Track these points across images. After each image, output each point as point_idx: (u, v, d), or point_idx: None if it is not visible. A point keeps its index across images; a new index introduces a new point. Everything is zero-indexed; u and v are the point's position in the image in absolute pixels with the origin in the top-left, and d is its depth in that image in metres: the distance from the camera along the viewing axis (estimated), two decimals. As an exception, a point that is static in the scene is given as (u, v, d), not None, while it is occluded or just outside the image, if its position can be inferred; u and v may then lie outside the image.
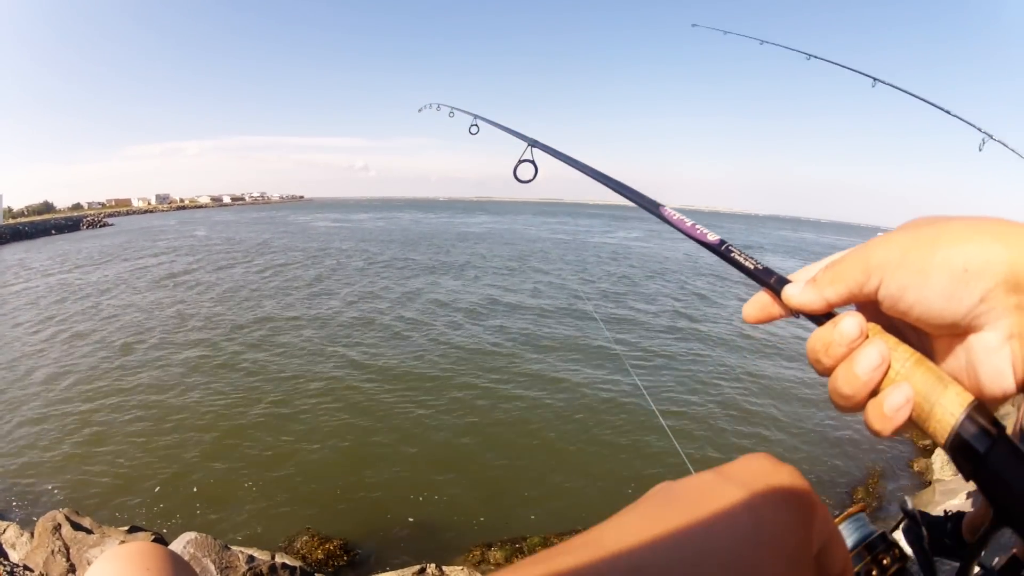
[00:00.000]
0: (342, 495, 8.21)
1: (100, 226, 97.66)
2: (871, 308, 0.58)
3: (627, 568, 0.40)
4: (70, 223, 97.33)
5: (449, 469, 8.91)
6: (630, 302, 22.12)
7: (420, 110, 3.65)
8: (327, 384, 12.80)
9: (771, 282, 0.65)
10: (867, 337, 0.56)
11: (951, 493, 6.56)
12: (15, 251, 52.90)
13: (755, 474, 0.48)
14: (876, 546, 0.79)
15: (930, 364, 0.54)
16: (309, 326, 18.22)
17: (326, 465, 9.09)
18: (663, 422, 6.49)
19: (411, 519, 7.68)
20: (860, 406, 0.56)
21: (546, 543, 6.96)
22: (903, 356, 0.54)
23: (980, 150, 5.18)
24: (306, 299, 22.57)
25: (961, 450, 0.50)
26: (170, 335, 17.44)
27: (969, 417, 0.49)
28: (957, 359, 0.54)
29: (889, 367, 0.54)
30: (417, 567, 6.06)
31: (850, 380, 0.55)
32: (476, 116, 2.28)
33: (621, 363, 13.38)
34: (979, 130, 5.17)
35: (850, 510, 0.83)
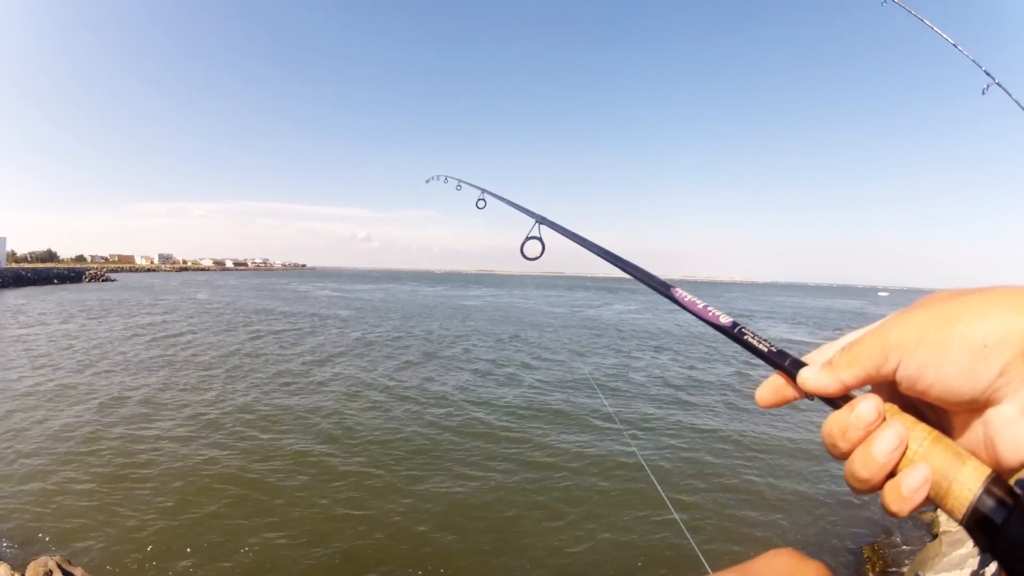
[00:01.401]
0: (338, 558, 8.10)
1: (102, 280, 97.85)
2: (887, 387, 0.58)
3: None
4: (73, 274, 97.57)
5: (445, 544, 8.81)
6: (628, 374, 21.96)
7: (427, 181, 3.64)
8: (320, 452, 12.67)
9: (786, 365, 0.65)
10: (884, 419, 0.56)
11: (957, 544, 6.46)
12: (18, 296, 52.87)
13: (780, 564, 0.48)
14: None
15: (948, 441, 0.54)
16: (303, 392, 18.10)
17: (322, 529, 9.00)
18: (663, 493, 6.48)
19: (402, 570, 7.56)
20: (877, 488, 0.55)
21: None
22: (920, 436, 0.54)
23: (983, 94, 5.18)
24: (300, 368, 22.41)
25: (978, 524, 0.50)
26: (173, 391, 17.41)
27: (987, 491, 0.49)
28: (975, 433, 0.53)
29: (907, 448, 0.54)
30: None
31: (867, 463, 0.54)
32: (483, 190, 2.26)
33: (621, 435, 13.32)
34: (985, 72, 5.16)
35: None
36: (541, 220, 1.46)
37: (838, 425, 0.56)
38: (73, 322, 34.44)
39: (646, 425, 15.14)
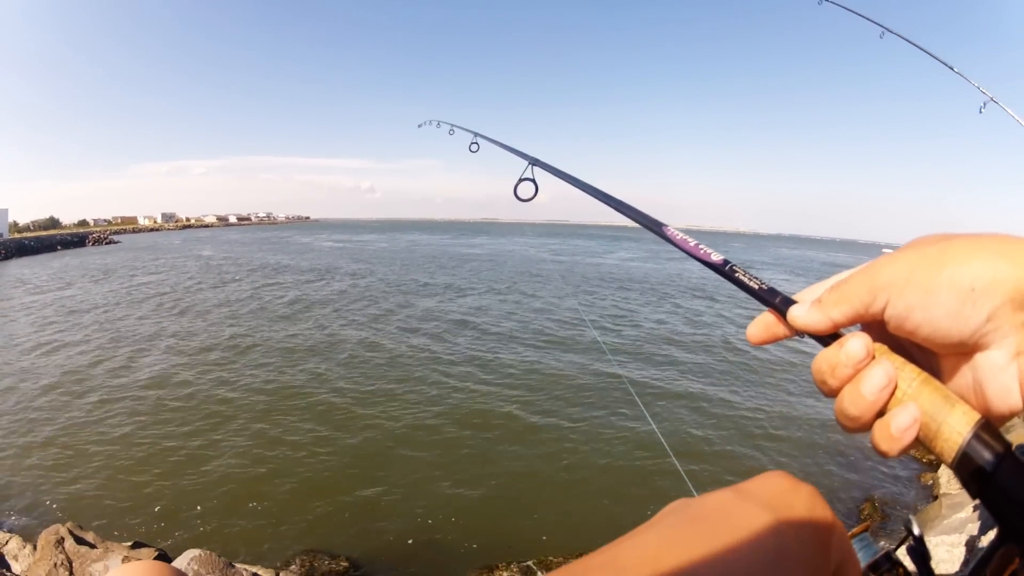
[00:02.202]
0: (347, 514, 8.15)
1: (106, 243, 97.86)
2: (877, 328, 0.58)
3: None
4: (76, 239, 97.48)
5: (454, 491, 8.86)
6: (627, 324, 22.01)
7: (420, 126, 3.66)
8: (329, 405, 12.81)
9: (776, 302, 0.65)
10: (873, 358, 0.55)
11: (958, 507, 6.51)
12: (21, 265, 53.01)
13: (775, 494, 0.48)
14: (880, 566, 0.77)
15: (937, 384, 0.54)
16: (314, 347, 18.26)
17: (331, 484, 9.03)
18: (663, 440, 6.44)
19: (417, 540, 7.62)
20: (866, 427, 0.55)
21: (547, 566, 6.92)
22: (910, 376, 0.54)
23: (980, 112, 5.23)
24: (312, 319, 22.71)
25: (968, 469, 0.50)
26: (176, 352, 17.52)
27: (976, 436, 0.50)
28: (964, 378, 0.53)
29: (896, 387, 0.54)
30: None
31: (856, 401, 0.54)
32: (476, 134, 2.28)
33: (622, 385, 13.35)
34: (982, 91, 5.20)
35: (855, 530, 0.81)
36: (534, 162, 1.46)
37: (827, 362, 0.57)
38: (74, 287, 34.50)
39: (652, 381, 15.18)
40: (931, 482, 8.56)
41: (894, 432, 0.52)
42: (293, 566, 6.90)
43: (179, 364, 16.14)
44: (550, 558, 7.08)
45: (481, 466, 9.66)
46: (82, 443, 10.78)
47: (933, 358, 0.56)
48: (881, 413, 0.54)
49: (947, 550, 4.86)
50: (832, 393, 0.57)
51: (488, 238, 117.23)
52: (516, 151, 1.62)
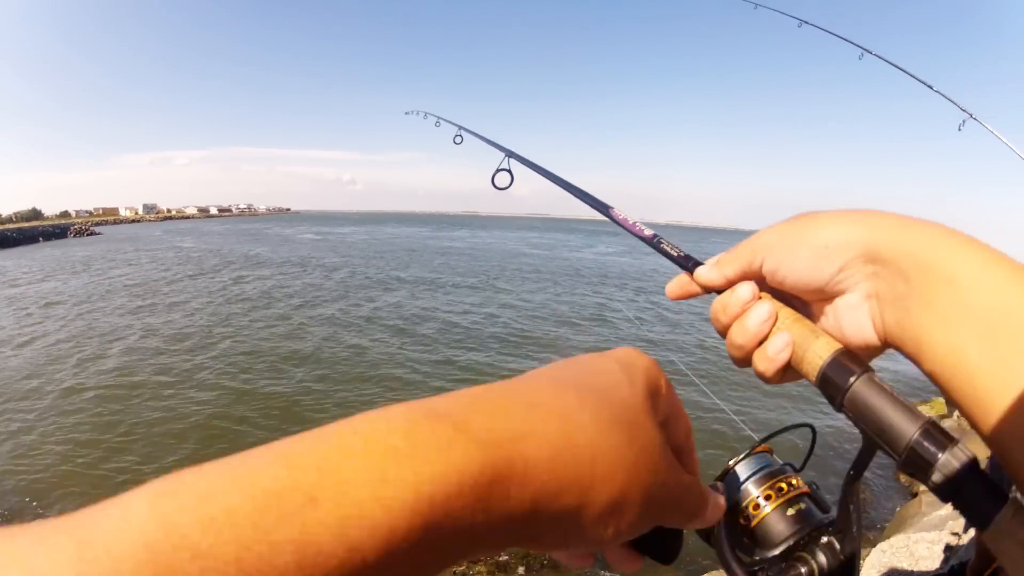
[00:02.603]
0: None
1: (87, 234, 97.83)
2: (761, 283, 0.71)
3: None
4: (57, 231, 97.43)
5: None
6: (599, 321, 22.02)
7: (407, 114, 3.62)
8: (293, 400, 12.96)
9: (688, 265, 0.78)
10: (759, 299, 0.69)
11: (937, 504, 6.52)
12: (2, 257, 52.90)
13: (626, 354, 0.56)
14: (778, 475, 0.81)
15: (807, 321, 0.67)
16: (286, 337, 18.41)
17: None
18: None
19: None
20: (750, 355, 0.69)
21: (527, 556, 7.07)
22: (785, 315, 0.68)
23: (960, 130, 5.20)
24: (292, 309, 22.88)
25: (827, 385, 0.62)
26: (150, 343, 17.55)
27: (835, 359, 0.61)
28: (828, 318, 0.67)
29: (775, 322, 0.68)
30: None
31: (743, 332, 0.68)
32: (460, 127, 2.30)
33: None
34: (961, 108, 5.19)
35: (758, 448, 0.86)
36: (510, 154, 1.58)
37: (721, 303, 0.71)
38: (54, 279, 34.38)
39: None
40: (909, 481, 8.52)
41: (770, 354, 0.66)
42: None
43: (152, 354, 16.28)
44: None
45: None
46: (51, 432, 10.90)
47: (806, 306, 0.70)
48: (761, 344, 0.68)
49: (927, 547, 4.88)
50: (723, 330, 0.72)
51: (468, 231, 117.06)
52: (494, 144, 1.72)
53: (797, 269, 0.65)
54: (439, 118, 2.76)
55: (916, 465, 0.54)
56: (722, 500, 0.60)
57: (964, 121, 5.13)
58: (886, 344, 0.62)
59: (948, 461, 0.51)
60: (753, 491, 0.80)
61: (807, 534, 0.74)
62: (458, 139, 2.28)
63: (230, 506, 0.30)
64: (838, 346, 0.62)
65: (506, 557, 7.05)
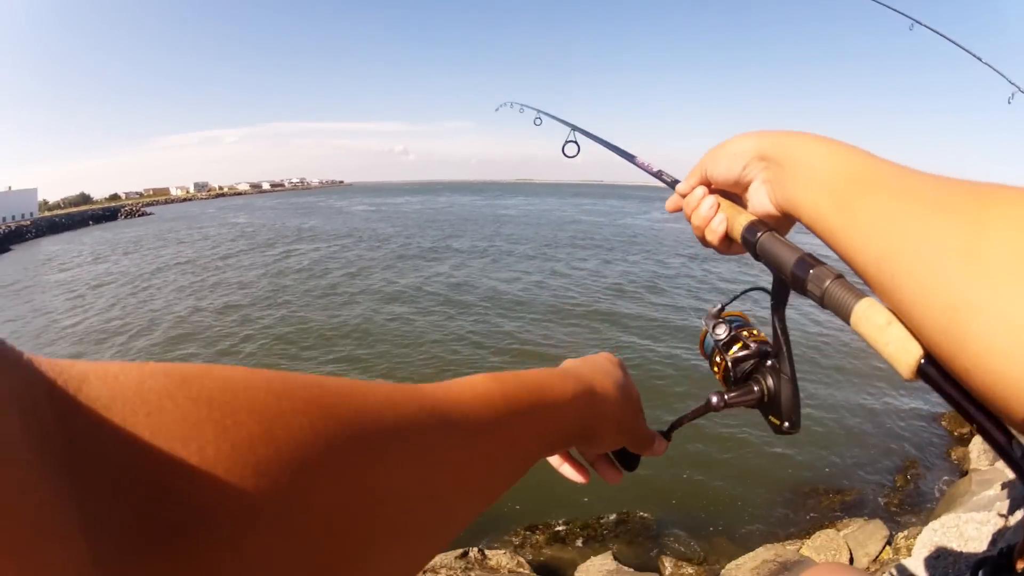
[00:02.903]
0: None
1: (139, 215, 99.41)
2: (712, 189, 0.99)
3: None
4: (108, 213, 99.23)
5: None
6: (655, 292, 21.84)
7: (497, 109, 3.61)
8: (372, 363, 12.96)
9: (674, 186, 1.10)
10: (706, 196, 0.98)
11: (987, 483, 6.39)
12: (52, 242, 53.95)
13: (606, 354, 0.90)
14: (743, 327, 1.03)
15: (738, 207, 0.93)
16: (364, 302, 18.64)
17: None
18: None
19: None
20: (703, 233, 0.98)
21: (587, 528, 6.98)
22: (724, 204, 0.95)
23: (1009, 103, 5.15)
24: (345, 279, 23.06)
25: (745, 243, 0.87)
26: (211, 319, 17.73)
27: (749, 224, 0.86)
28: (749, 203, 0.91)
29: (719, 209, 0.95)
30: (460, 551, 6.02)
31: (698, 216, 0.98)
32: (539, 111, 2.61)
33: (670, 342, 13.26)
34: (1010, 82, 5.16)
35: (730, 312, 1.09)
36: (575, 128, 1.88)
37: (687, 203, 1.01)
38: (105, 261, 35.13)
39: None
40: (961, 457, 8.38)
41: (713, 226, 0.95)
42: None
43: (202, 328, 16.59)
44: (592, 523, 7.06)
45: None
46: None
47: (739, 199, 0.95)
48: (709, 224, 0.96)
49: (976, 527, 4.78)
50: (688, 218, 1.01)
51: (523, 198, 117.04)
52: (564, 121, 2.02)
53: (720, 171, 0.93)
54: (523, 105, 3.08)
55: (798, 282, 0.75)
56: (664, 444, 0.91)
57: (1013, 95, 5.12)
58: (781, 211, 0.83)
59: (817, 275, 0.72)
60: (724, 338, 1.03)
61: (756, 363, 0.97)
62: (538, 121, 2.61)
63: (524, 383, 0.62)
64: (752, 217, 0.88)
65: (563, 528, 7.03)
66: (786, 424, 0.93)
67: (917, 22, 5.31)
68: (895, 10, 5.47)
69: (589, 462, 0.90)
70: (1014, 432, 0.53)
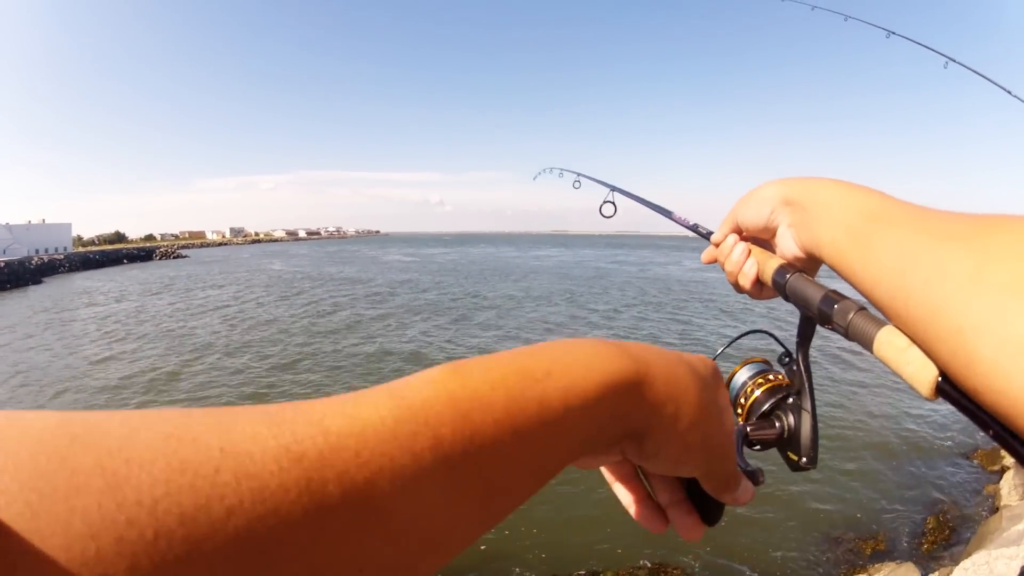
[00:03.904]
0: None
1: (174, 256, 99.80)
2: (743, 236, 1.06)
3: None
4: (143, 253, 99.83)
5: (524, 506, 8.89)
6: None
7: (535, 178, 3.96)
8: None
9: (708, 237, 1.21)
10: (738, 243, 1.05)
11: (1017, 519, 6.41)
12: (85, 278, 54.83)
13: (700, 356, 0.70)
14: (765, 372, 1.04)
15: (768, 252, 1.00)
16: (389, 352, 18.73)
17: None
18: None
19: (482, 554, 7.72)
20: (736, 279, 1.04)
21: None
22: (755, 251, 1.02)
23: None
24: (373, 332, 23.18)
25: (776, 285, 0.93)
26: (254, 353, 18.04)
27: (779, 268, 0.92)
28: (777, 248, 0.97)
29: (749, 255, 1.02)
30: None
31: (731, 263, 1.04)
32: (578, 174, 2.75)
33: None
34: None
35: (753, 359, 1.10)
36: (613, 188, 2.04)
37: (721, 251, 1.08)
38: (139, 299, 35.93)
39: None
40: (993, 493, 8.36)
41: (745, 270, 1.01)
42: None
43: (230, 373, 16.80)
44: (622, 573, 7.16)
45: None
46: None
47: (768, 245, 1.01)
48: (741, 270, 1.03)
49: (1005, 563, 4.85)
50: (723, 267, 1.08)
51: (558, 249, 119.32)
52: (602, 182, 2.18)
53: (750, 217, 0.99)
54: (563, 170, 3.27)
55: (824, 316, 0.80)
56: (753, 489, 0.72)
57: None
58: (807, 252, 0.89)
59: (841, 309, 0.77)
60: (748, 383, 1.03)
61: (777, 400, 0.98)
62: (577, 184, 2.77)
63: (503, 375, 0.46)
64: (782, 260, 0.94)
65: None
66: (804, 460, 0.94)
67: (951, 60, 5.55)
68: (932, 49, 5.67)
69: (663, 505, 0.70)
70: None
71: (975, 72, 5.60)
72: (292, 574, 0.32)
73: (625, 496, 0.70)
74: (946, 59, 5.58)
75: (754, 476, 0.81)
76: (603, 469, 0.68)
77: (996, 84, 5.60)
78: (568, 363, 0.50)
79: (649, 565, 7.19)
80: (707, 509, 0.70)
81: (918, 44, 5.78)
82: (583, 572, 7.25)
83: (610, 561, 7.39)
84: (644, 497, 0.69)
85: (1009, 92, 5.47)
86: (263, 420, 0.35)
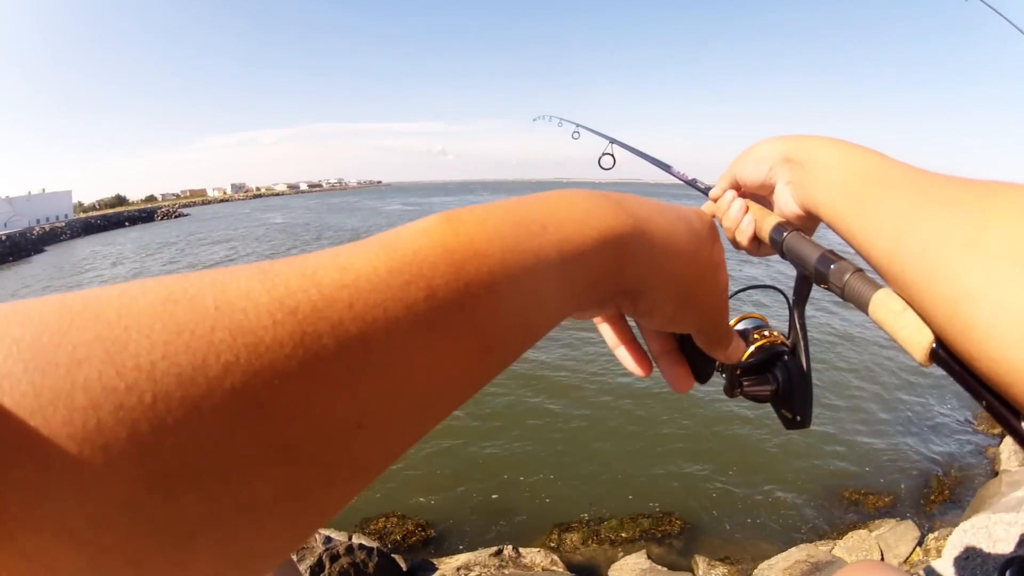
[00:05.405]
0: (420, 475, 8.30)
1: (175, 216, 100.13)
2: (741, 192, 1.08)
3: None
4: (144, 214, 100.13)
5: (526, 452, 9.00)
6: None
7: (534, 120, 3.90)
8: None
9: (707, 192, 1.20)
10: (735, 199, 1.06)
11: (1016, 484, 6.42)
12: (88, 243, 54.89)
13: (696, 208, 0.75)
14: (761, 328, 1.05)
15: (766, 209, 1.01)
16: None
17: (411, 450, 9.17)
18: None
19: (488, 500, 7.78)
20: (732, 234, 1.04)
21: (621, 526, 7.07)
22: (753, 207, 1.03)
23: None
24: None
25: (774, 243, 0.93)
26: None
27: (776, 225, 0.92)
28: (775, 205, 0.99)
29: (747, 211, 1.03)
30: (494, 548, 6.16)
31: (728, 219, 1.05)
32: (577, 124, 2.75)
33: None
34: None
35: (751, 314, 1.11)
36: (612, 140, 2.06)
37: (719, 207, 1.09)
38: (139, 261, 36.35)
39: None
40: (994, 456, 8.39)
41: (743, 227, 1.02)
42: (366, 528, 7.12)
43: None
44: (627, 522, 7.16)
45: (554, 430, 9.68)
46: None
47: (766, 201, 1.03)
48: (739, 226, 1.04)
49: (1004, 528, 4.82)
50: (720, 222, 1.07)
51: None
52: (602, 134, 2.16)
53: (748, 174, 1.01)
54: (561, 119, 3.30)
55: (820, 276, 0.80)
56: (743, 345, 0.74)
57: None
58: (805, 211, 0.91)
59: (838, 269, 0.77)
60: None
61: (771, 356, 0.99)
62: (576, 135, 2.77)
63: (498, 226, 0.44)
64: (779, 218, 0.95)
65: (597, 526, 7.03)
66: (798, 418, 0.97)
67: None
68: None
69: (653, 355, 0.72)
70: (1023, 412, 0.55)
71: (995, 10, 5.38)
72: (291, 429, 0.31)
73: (611, 338, 0.72)
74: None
75: (746, 335, 0.99)
76: None
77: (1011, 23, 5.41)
78: (564, 216, 0.49)
79: (649, 515, 7.26)
80: (699, 365, 0.73)
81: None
82: (585, 516, 7.32)
83: (613, 510, 7.46)
84: (631, 339, 0.71)
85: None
86: (257, 276, 0.34)
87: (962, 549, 4.70)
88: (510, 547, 6.23)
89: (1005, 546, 4.59)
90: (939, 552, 5.35)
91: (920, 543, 6.02)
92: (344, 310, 0.34)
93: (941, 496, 7.66)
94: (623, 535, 6.97)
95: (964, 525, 5.13)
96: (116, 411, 0.26)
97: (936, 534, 6.08)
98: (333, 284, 0.35)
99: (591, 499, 7.59)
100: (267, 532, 0.32)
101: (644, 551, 6.44)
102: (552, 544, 6.85)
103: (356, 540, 6.14)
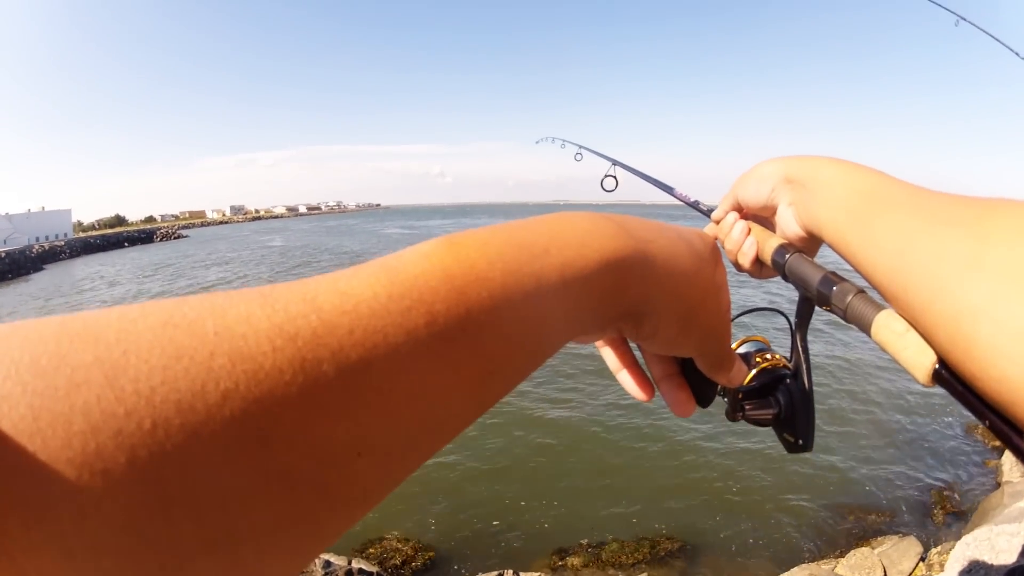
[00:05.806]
0: (420, 498, 8.30)
1: (174, 237, 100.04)
2: (743, 215, 1.04)
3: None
4: (143, 235, 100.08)
5: (527, 476, 8.98)
6: None
7: (537, 142, 3.96)
8: None
9: (709, 214, 1.14)
10: (738, 221, 1.02)
11: (1018, 495, 6.44)
12: (86, 263, 55.01)
13: (699, 230, 0.73)
14: (763, 351, 1.04)
15: (768, 231, 0.96)
16: None
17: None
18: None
19: (489, 524, 7.73)
20: (734, 256, 1.00)
21: (622, 548, 7.03)
22: (755, 229, 0.98)
23: None
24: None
25: (776, 265, 0.89)
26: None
27: (779, 247, 0.89)
28: (778, 227, 0.94)
29: (749, 233, 0.99)
30: (495, 573, 6.15)
31: (731, 242, 1.00)
32: (580, 146, 2.75)
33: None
34: None
35: (754, 337, 1.11)
36: (615, 162, 2.05)
37: (721, 229, 1.05)
38: (137, 283, 36.04)
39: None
40: (995, 468, 8.38)
41: (744, 250, 0.98)
42: (365, 552, 7.08)
43: None
44: (629, 544, 7.12)
45: (557, 454, 9.69)
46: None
47: (768, 223, 0.99)
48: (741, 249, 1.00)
49: (1007, 539, 4.80)
50: (722, 244, 1.03)
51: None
52: (604, 156, 2.15)
53: (750, 195, 0.98)
54: (564, 141, 3.27)
55: (822, 298, 0.78)
56: (745, 368, 0.74)
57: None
58: (807, 231, 0.88)
59: (840, 291, 0.75)
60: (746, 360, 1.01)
61: (773, 379, 0.98)
62: (579, 156, 2.78)
63: (500, 249, 0.44)
64: (781, 240, 0.91)
65: (598, 548, 7.05)
66: (800, 442, 0.95)
67: (962, 18, 5.41)
68: (940, 5, 5.50)
69: (655, 379, 0.70)
70: None
71: (987, 33, 5.40)
72: (291, 455, 0.31)
73: (613, 362, 0.71)
74: (957, 17, 5.41)
75: (748, 358, 0.99)
76: None
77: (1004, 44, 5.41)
78: (566, 239, 0.49)
79: (650, 535, 7.21)
80: (701, 389, 0.72)
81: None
82: (586, 540, 7.26)
83: (614, 531, 7.42)
84: (633, 363, 0.70)
85: (1018, 54, 5.33)
86: (257, 301, 0.34)
87: (965, 562, 4.66)
88: (510, 572, 6.21)
89: (1008, 557, 4.56)
90: (942, 566, 5.34)
91: (923, 558, 5.99)
92: (344, 336, 0.34)
93: (943, 510, 7.65)
94: (623, 559, 6.93)
95: (967, 538, 5.11)
96: (115, 436, 0.26)
97: (939, 548, 6.07)
98: (333, 310, 0.35)
99: (591, 522, 7.56)
100: (267, 558, 0.32)
101: (645, 574, 6.43)
102: (553, 568, 6.82)
103: (356, 564, 6.12)
